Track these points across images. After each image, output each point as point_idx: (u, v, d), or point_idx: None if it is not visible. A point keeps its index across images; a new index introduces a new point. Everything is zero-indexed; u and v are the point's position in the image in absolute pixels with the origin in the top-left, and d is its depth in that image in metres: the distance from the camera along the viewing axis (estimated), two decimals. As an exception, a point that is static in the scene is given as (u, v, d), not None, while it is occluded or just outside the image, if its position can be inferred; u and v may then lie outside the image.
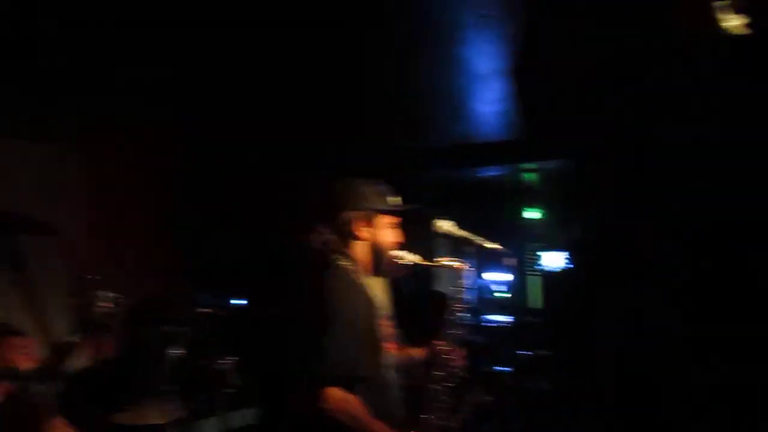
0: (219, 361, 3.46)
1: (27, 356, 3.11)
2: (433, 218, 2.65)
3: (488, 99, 4.96)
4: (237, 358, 3.44)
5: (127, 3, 3.37)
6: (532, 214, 7.42)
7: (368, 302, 2.42)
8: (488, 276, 7.05)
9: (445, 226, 2.58)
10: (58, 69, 3.89)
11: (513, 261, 2.59)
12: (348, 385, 2.24)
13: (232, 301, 4.94)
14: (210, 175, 5.16)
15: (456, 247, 2.69)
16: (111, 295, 1.55)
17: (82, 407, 1.12)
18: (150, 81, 4.32)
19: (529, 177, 7.13)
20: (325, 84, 4.64)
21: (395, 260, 2.55)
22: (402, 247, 2.56)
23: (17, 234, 1.07)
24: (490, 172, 6.93)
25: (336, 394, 2.21)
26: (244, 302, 5.03)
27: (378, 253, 2.51)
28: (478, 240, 2.58)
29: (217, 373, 3.44)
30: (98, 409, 1.12)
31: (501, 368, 5.18)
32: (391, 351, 2.47)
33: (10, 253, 1.07)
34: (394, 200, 2.56)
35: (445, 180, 6.99)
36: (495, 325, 6.16)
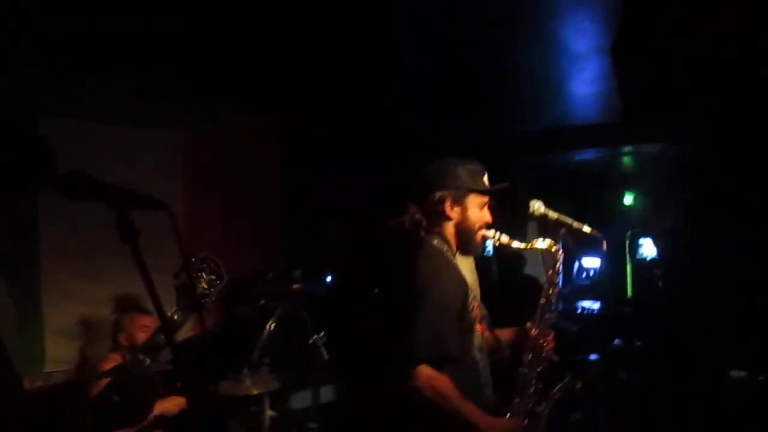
0: (310, 337, 3.57)
1: (147, 334, 3.33)
2: (527, 201, 2.63)
3: (585, 80, 4.80)
4: (325, 334, 3.53)
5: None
6: (628, 199, 7.16)
7: (460, 282, 2.39)
8: (581, 262, 6.88)
9: (540, 208, 2.55)
10: (172, 60, 4.07)
11: (606, 246, 2.49)
12: (438, 365, 2.22)
13: (327, 279, 5.06)
14: (308, 157, 5.26)
15: (548, 231, 2.64)
16: (214, 275, 1.62)
17: (186, 379, 1.18)
18: (254, 73, 4.43)
19: (627, 161, 6.88)
20: (421, 69, 4.64)
21: (485, 240, 2.52)
22: (492, 227, 2.52)
23: (128, 208, 1.14)
24: (586, 156, 6.73)
25: (426, 372, 2.19)
26: (337, 280, 5.14)
27: (468, 233, 2.48)
28: (573, 223, 2.52)
29: (309, 348, 3.55)
30: (200, 380, 1.19)
31: (591, 356, 5.05)
32: (481, 332, 2.45)
33: (122, 226, 1.14)
34: (485, 180, 2.53)
35: (539, 165, 6.86)
36: (586, 311, 5.99)
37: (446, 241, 2.47)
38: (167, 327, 1.20)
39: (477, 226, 2.48)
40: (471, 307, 2.39)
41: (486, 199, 2.51)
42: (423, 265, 2.36)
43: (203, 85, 4.39)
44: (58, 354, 3.79)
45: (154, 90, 4.21)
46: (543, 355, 2.50)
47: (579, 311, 6.16)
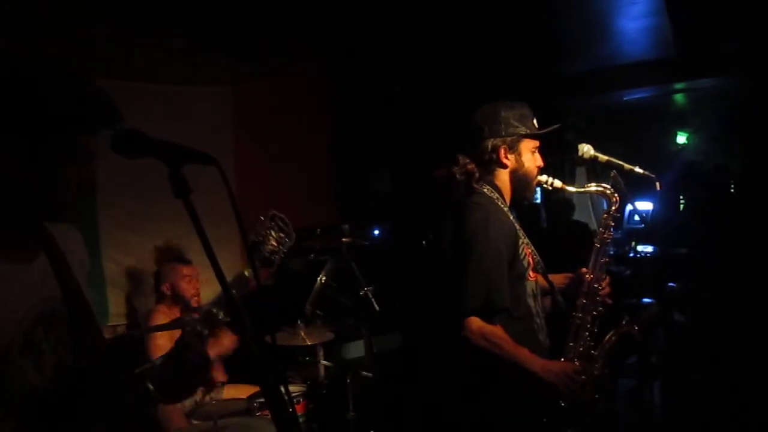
0: (361, 289, 3.62)
1: (191, 283, 3.43)
2: (576, 144, 2.57)
3: (635, 14, 4.59)
4: (374, 287, 3.57)
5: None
6: (681, 139, 6.93)
7: (512, 230, 2.37)
8: (634, 205, 6.71)
9: (589, 150, 2.50)
10: (217, 14, 4.06)
11: (659, 187, 2.42)
12: (488, 315, 2.24)
13: (375, 232, 5.09)
14: (357, 107, 5.22)
15: (598, 174, 2.59)
16: (283, 233, 1.66)
17: (245, 331, 1.22)
18: (306, 19, 4.38)
19: (680, 99, 6.63)
20: (464, 12, 4.51)
21: (539, 186, 2.49)
22: (543, 172, 2.49)
23: (180, 163, 1.16)
24: (637, 95, 6.50)
25: (476, 323, 2.22)
26: (386, 232, 5.17)
27: (524, 179, 2.45)
28: (624, 165, 2.47)
29: (360, 300, 3.60)
30: (258, 330, 1.21)
31: (645, 300, 4.99)
32: (535, 279, 2.44)
33: (175, 181, 1.16)
34: (535, 123, 2.48)
35: (589, 106, 6.67)
36: (640, 255, 5.90)
37: (498, 190, 2.44)
38: (222, 279, 1.22)
39: (534, 172, 2.45)
40: (523, 255, 2.38)
41: (537, 143, 2.47)
42: (471, 216, 2.35)
43: (250, 37, 4.36)
44: (120, 308, 3.93)
45: (201, 47, 4.22)
46: (598, 299, 2.49)
47: (632, 255, 6.07)
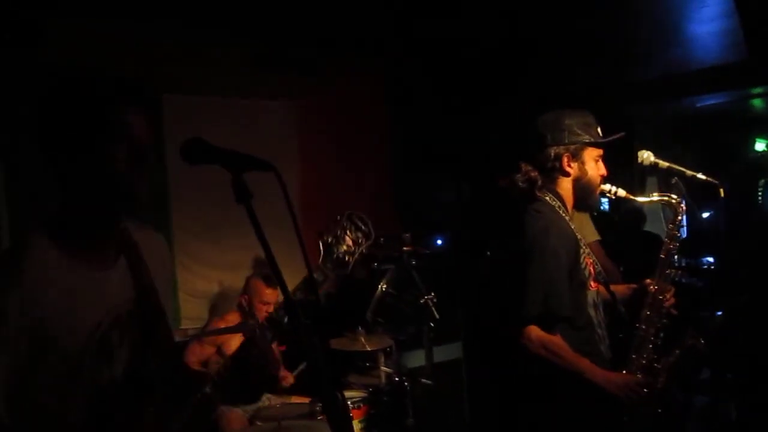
0: (421, 297, 3.64)
1: (266, 306, 3.45)
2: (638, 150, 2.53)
3: (706, 18, 4.46)
4: (436, 295, 3.58)
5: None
6: (759, 146, 6.64)
7: (573, 239, 2.36)
8: (706, 214, 6.48)
9: (649, 157, 2.47)
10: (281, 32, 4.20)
11: (723, 194, 2.34)
12: (550, 323, 2.23)
13: (437, 241, 5.10)
14: (418, 115, 5.25)
15: (668, 183, 2.54)
16: (360, 233, 1.67)
17: (303, 335, 1.25)
18: (363, 31, 4.47)
19: (757, 104, 6.35)
20: (531, 15, 4.48)
21: (603, 195, 2.46)
22: (608, 181, 2.46)
23: (241, 170, 1.22)
24: (711, 101, 6.26)
25: (535, 332, 2.22)
26: (449, 242, 5.17)
27: (587, 188, 2.42)
28: (686, 171, 2.43)
29: (420, 308, 3.63)
30: (320, 335, 1.24)
31: (716, 312, 4.79)
32: (596, 289, 2.41)
33: (236, 187, 1.22)
34: (599, 131, 2.45)
35: (659, 114, 6.48)
36: (711, 266, 5.67)
37: (560, 198, 2.42)
38: (282, 284, 1.26)
39: (598, 180, 2.42)
40: (584, 264, 2.36)
41: (600, 151, 2.44)
42: (532, 224, 2.35)
43: (311, 50, 4.48)
44: (190, 312, 4.10)
45: (265, 61, 4.37)
46: (662, 311, 2.45)
47: (705, 266, 5.85)
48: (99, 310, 1.37)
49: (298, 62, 4.48)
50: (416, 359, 4.11)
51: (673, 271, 2.48)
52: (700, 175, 2.40)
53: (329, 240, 1.63)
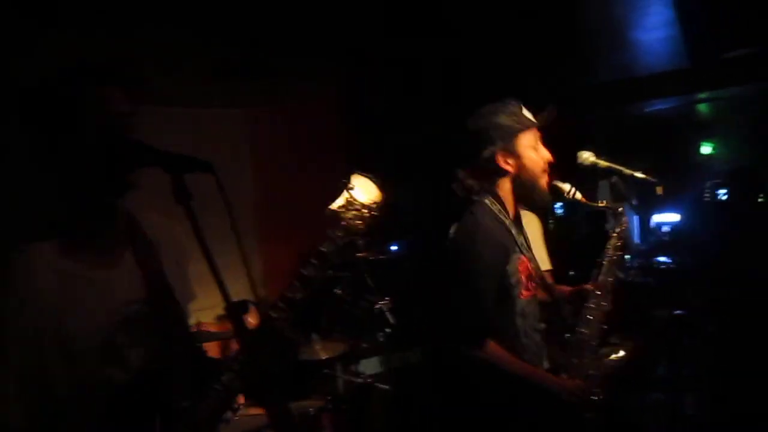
0: (377, 303, 3.65)
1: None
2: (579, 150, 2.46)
3: (650, 25, 4.58)
4: (391, 300, 3.59)
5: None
6: (706, 149, 6.83)
7: (501, 245, 2.22)
8: (656, 217, 6.66)
9: (589, 157, 2.38)
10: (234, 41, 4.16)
11: (661, 191, 2.35)
12: (478, 338, 2.14)
13: (392, 247, 5.12)
14: (373, 122, 5.25)
15: (620, 191, 2.53)
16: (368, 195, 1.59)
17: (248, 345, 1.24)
18: (320, 40, 4.46)
19: (703, 109, 6.55)
20: (477, 26, 4.54)
21: (555, 191, 2.35)
22: (553, 168, 2.33)
23: (180, 171, 1.21)
24: (660, 106, 6.44)
25: (470, 344, 2.15)
26: (402, 247, 5.19)
27: (525, 183, 2.29)
28: (624, 170, 2.36)
29: (376, 314, 3.63)
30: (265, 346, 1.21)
31: (670, 311, 4.91)
32: (528, 297, 2.29)
33: (176, 188, 1.21)
34: (527, 114, 2.31)
35: (611, 119, 6.62)
36: (665, 266, 5.81)
37: (500, 200, 2.30)
38: (221, 285, 1.24)
39: (538, 169, 2.29)
40: (513, 271, 2.24)
41: (537, 135, 2.30)
42: (459, 231, 2.26)
43: (264, 59, 4.45)
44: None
45: (215, 70, 4.33)
46: (603, 316, 2.39)
47: (657, 266, 5.98)
48: (101, 314, 1.35)
49: (252, 71, 4.46)
50: (373, 366, 4.10)
51: (613, 278, 2.44)
52: (638, 174, 2.35)
53: (336, 207, 1.55)
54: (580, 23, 4.60)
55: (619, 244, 2.47)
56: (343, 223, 1.51)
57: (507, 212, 2.31)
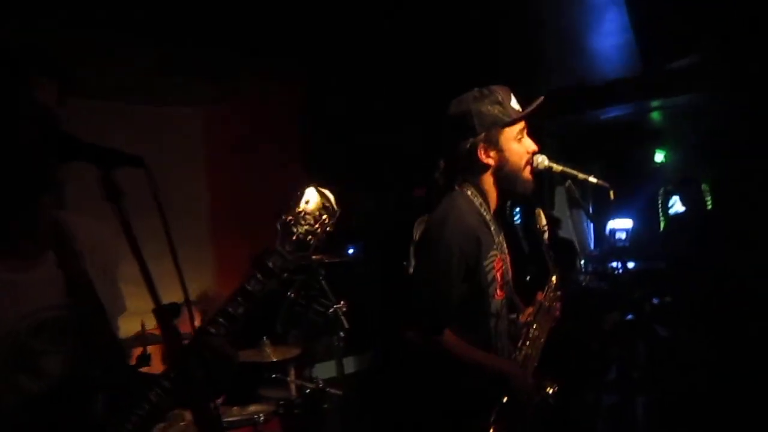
0: (331, 306, 3.59)
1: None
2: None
3: (605, 31, 4.65)
4: (346, 303, 3.55)
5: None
6: (659, 156, 6.99)
7: (474, 237, 2.09)
8: (614, 223, 6.78)
9: (543, 161, 2.22)
10: (188, 34, 4.07)
11: (613, 196, 2.31)
12: (435, 327, 2.05)
13: (349, 250, 5.08)
14: (331, 125, 5.22)
15: (575, 198, 2.50)
16: (323, 210, 1.46)
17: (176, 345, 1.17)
18: (278, 41, 4.39)
19: (656, 116, 6.69)
20: (435, 31, 4.55)
21: (533, 176, 2.21)
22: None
23: (110, 167, 1.14)
24: (613, 113, 6.55)
25: (423, 333, 2.07)
26: (358, 250, 5.16)
27: (508, 176, 2.17)
28: (578, 174, 2.25)
29: (330, 318, 3.58)
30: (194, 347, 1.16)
31: (623, 316, 4.99)
32: (502, 299, 2.20)
33: (105, 185, 1.15)
34: (514, 103, 2.18)
35: (566, 126, 6.70)
36: (619, 271, 5.91)
37: (483, 193, 2.18)
38: (151, 288, 1.18)
39: (522, 162, 2.17)
40: (489, 268, 2.13)
41: (521, 126, 2.17)
42: (433, 218, 2.14)
43: (221, 56, 4.38)
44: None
45: (172, 67, 4.24)
46: (551, 323, 2.34)
47: (611, 271, 6.08)
48: (14, 317, 1.25)
49: (209, 67, 4.38)
50: (328, 370, 4.05)
51: (559, 291, 2.40)
52: (591, 178, 2.26)
53: (288, 219, 1.45)
54: (534, 30, 4.64)
55: (558, 301, 2.38)
56: (293, 237, 1.44)
57: (488, 206, 2.20)
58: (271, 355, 3.38)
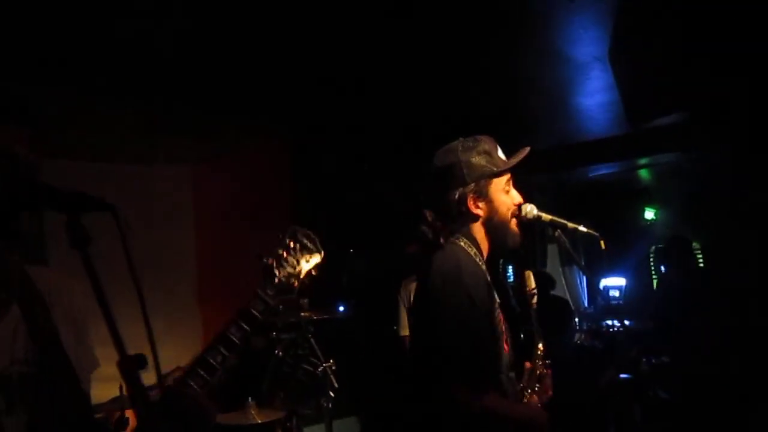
0: (320, 366, 3.51)
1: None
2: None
3: (591, 90, 4.72)
4: (335, 362, 3.46)
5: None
6: (649, 214, 7.01)
7: (487, 286, 2.02)
8: (607, 281, 6.75)
9: (532, 210, 2.16)
10: (174, 95, 4.10)
11: (604, 245, 2.25)
12: (479, 379, 1.90)
13: (339, 308, 5.00)
14: (320, 183, 5.22)
15: (566, 255, 2.49)
16: (306, 252, 1.43)
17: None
18: (266, 100, 4.43)
19: (644, 174, 6.75)
20: (424, 90, 4.61)
21: (522, 227, 2.16)
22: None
23: (77, 212, 1.10)
24: (602, 171, 6.60)
25: (465, 392, 1.88)
26: (348, 308, 5.08)
27: (501, 225, 2.12)
28: (567, 224, 2.18)
29: (319, 378, 3.48)
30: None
31: (618, 375, 4.90)
32: (508, 351, 2.10)
33: (71, 230, 1.10)
34: (501, 155, 2.15)
35: (555, 184, 6.75)
36: (613, 330, 5.84)
37: (476, 243, 2.11)
38: (116, 337, 1.12)
39: (510, 214, 2.13)
40: (498, 319, 2.05)
41: (507, 177, 2.15)
42: (440, 264, 2.02)
43: (209, 115, 4.41)
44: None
45: (159, 126, 4.26)
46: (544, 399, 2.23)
47: (606, 329, 6.00)
48: None
49: (197, 126, 4.40)
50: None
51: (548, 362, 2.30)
52: (581, 228, 2.19)
53: (270, 262, 1.41)
54: (519, 89, 4.71)
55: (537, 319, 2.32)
56: (275, 280, 1.40)
57: (482, 257, 2.12)
58: (256, 416, 3.26)
